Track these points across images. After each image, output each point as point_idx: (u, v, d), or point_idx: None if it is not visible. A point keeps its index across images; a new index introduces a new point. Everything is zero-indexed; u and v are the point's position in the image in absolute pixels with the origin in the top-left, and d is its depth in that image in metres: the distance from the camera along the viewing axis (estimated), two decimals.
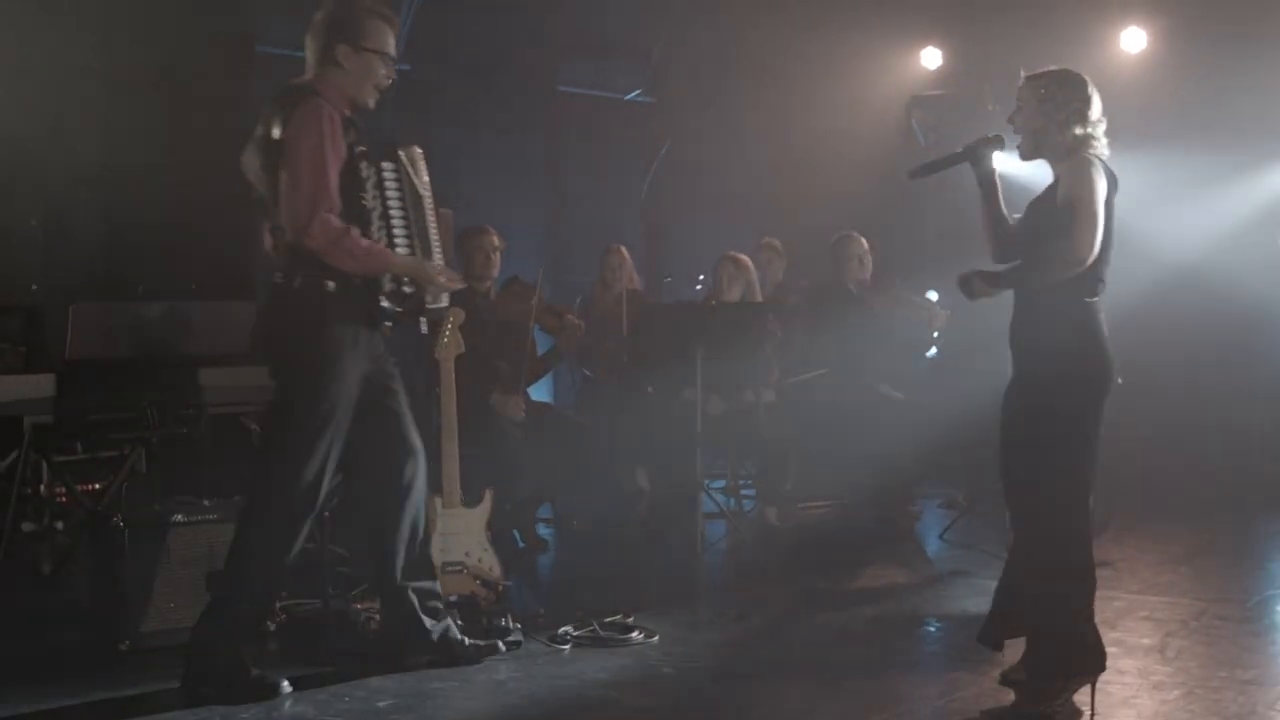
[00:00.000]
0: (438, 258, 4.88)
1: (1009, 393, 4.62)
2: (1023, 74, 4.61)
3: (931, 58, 10.22)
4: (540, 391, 8.35)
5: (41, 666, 5.16)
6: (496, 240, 7.17)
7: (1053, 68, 4.60)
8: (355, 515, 5.36)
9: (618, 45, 10.21)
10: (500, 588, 5.81)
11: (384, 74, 4.77)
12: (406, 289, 4.78)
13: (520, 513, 7.15)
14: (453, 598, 5.62)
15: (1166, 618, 5.71)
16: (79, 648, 5.36)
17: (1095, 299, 4.49)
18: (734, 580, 6.84)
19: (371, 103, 4.78)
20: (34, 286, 6.96)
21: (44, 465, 6.17)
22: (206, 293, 6.60)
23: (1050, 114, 4.51)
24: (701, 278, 9.36)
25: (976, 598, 6.02)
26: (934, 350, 9.04)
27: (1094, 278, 4.47)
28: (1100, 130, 4.54)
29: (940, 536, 7.67)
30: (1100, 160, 4.49)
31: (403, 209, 4.79)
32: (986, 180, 4.68)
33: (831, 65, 9.94)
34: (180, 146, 6.75)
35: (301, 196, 4.54)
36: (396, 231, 4.77)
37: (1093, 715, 4.42)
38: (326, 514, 6.48)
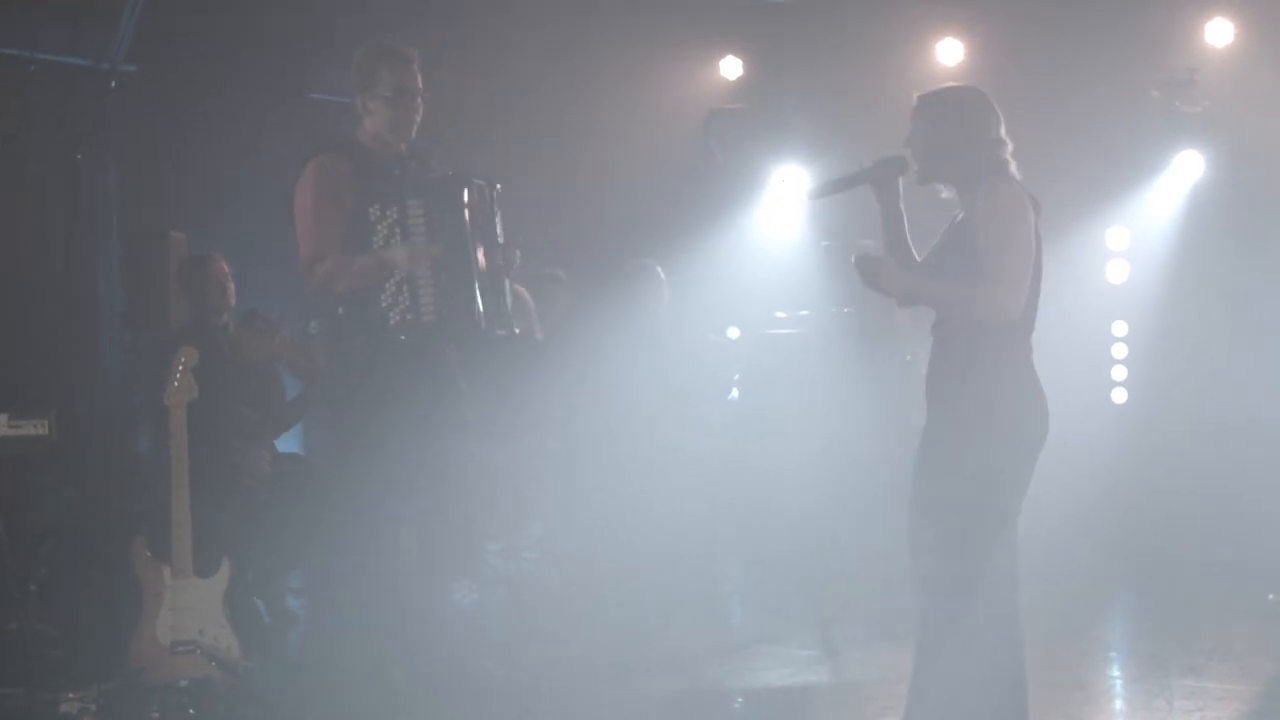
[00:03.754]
0: (479, 294, 5.30)
1: (923, 450, 4.45)
2: (915, 96, 4.54)
3: (731, 67, 10.31)
4: (289, 442, 8.12)
5: None
6: (226, 267, 6.98)
7: (947, 85, 4.60)
8: None
9: None
10: (240, 670, 5.58)
11: (405, 111, 5.35)
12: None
13: (265, 582, 6.91)
14: (183, 682, 5.44)
15: None
16: None
17: (1028, 343, 4.40)
18: (514, 650, 6.65)
19: (411, 133, 5.40)
20: None
21: None
22: None
23: (946, 135, 4.43)
24: None
25: (785, 669, 6.03)
26: (735, 393, 9.07)
27: (1027, 318, 4.38)
28: (1007, 151, 4.46)
29: (743, 599, 7.67)
30: (1018, 181, 4.41)
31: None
32: (891, 209, 4.52)
33: (624, 80, 9.93)
34: None
35: (301, 250, 5.33)
36: (419, 273, 5.22)
37: None
38: (34, 587, 6.24)
